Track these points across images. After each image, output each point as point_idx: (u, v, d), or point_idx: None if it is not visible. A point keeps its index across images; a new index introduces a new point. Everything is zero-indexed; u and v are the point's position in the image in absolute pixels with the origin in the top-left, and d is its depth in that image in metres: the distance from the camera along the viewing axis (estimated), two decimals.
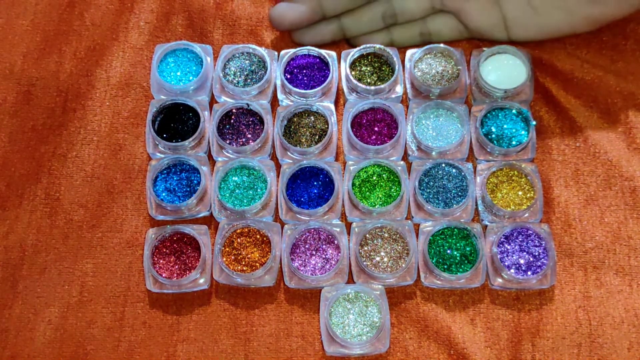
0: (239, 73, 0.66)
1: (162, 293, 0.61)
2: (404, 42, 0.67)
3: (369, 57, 0.66)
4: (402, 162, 0.63)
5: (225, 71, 0.66)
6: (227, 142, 0.63)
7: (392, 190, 0.62)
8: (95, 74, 0.68)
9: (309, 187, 0.62)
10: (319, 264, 0.60)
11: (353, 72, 0.65)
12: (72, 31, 0.70)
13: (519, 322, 0.60)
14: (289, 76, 0.66)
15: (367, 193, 0.62)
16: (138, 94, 0.68)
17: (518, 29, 0.64)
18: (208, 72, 0.66)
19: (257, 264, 0.60)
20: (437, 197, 0.61)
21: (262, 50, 0.66)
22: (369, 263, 0.60)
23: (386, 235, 0.61)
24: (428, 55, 0.66)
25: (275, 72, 0.66)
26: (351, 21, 0.66)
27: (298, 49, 0.66)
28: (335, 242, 0.60)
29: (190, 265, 0.60)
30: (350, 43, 0.68)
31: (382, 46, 0.65)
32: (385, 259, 0.60)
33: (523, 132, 0.63)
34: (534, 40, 0.66)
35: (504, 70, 0.65)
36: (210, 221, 0.63)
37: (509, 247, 0.60)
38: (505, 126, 0.63)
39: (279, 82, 0.66)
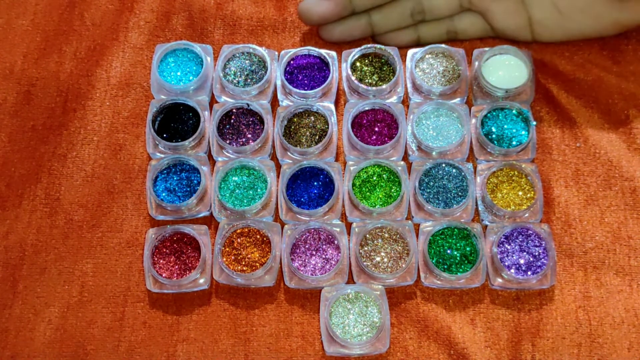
0: (239, 73, 0.66)
1: (162, 293, 0.61)
2: (431, 40, 0.67)
3: (370, 57, 0.66)
4: (402, 162, 0.63)
5: (226, 71, 0.66)
6: (227, 142, 0.63)
7: (393, 190, 0.62)
8: (96, 74, 0.68)
9: (309, 187, 0.62)
10: (319, 264, 0.60)
11: (354, 73, 0.65)
12: (72, 31, 0.70)
13: (519, 322, 0.60)
14: (289, 76, 0.66)
15: (368, 193, 0.62)
16: (138, 94, 0.68)
17: (544, 31, 0.64)
18: (208, 72, 0.66)
19: (257, 264, 0.60)
20: (438, 197, 0.61)
21: (262, 50, 0.66)
22: (369, 263, 0.60)
23: (386, 235, 0.61)
24: (429, 55, 0.66)
25: (276, 72, 0.66)
26: (380, 17, 0.66)
27: (298, 49, 0.66)
28: (335, 242, 0.60)
29: (190, 265, 0.60)
30: (377, 40, 0.68)
31: (382, 46, 0.65)
32: (386, 259, 0.60)
33: (523, 133, 0.63)
34: (557, 41, 0.66)
35: (505, 71, 0.65)
36: (210, 221, 0.63)
37: (509, 247, 0.60)
38: (505, 126, 0.63)
39: (279, 83, 0.66)
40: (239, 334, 0.60)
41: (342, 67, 0.66)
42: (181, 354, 0.59)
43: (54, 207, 0.64)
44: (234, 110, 0.65)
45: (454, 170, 0.62)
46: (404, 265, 0.59)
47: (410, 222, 0.61)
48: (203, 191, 0.62)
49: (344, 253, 0.60)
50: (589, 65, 0.67)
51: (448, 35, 0.67)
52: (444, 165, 0.62)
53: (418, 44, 0.67)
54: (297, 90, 0.64)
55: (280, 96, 0.65)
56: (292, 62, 0.66)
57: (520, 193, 0.62)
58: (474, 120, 0.64)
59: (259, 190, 0.62)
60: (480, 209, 0.62)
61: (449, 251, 0.60)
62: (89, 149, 0.66)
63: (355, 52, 0.65)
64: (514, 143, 0.63)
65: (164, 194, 0.62)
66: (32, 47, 0.69)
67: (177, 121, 0.64)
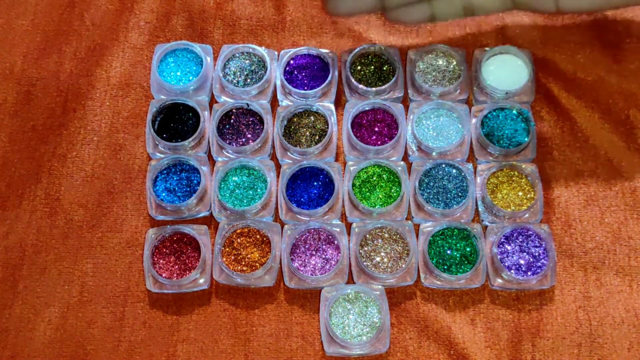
0: (238, 73, 0.66)
1: (162, 293, 0.61)
2: (446, 16, 0.60)
3: (370, 57, 0.66)
4: (402, 163, 0.63)
5: (225, 71, 0.66)
6: (227, 142, 0.63)
7: (392, 190, 0.62)
8: (95, 74, 0.68)
9: (309, 187, 0.62)
10: (319, 264, 0.60)
11: (354, 73, 0.65)
12: (72, 31, 0.70)
13: (519, 322, 0.60)
14: (288, 76, 0.66)
15: (367, 193, 0.62)
16: (138, 94, 0.68)
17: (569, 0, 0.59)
18: (208, 72, 0.66)
19: (257, 264, 0.60)
20: (437, 198, 0.61)
21: (262, 50, 0.66)
22: (369, 263, 0.60)
23: (386, 235, 0.61)
24: (430, 55, 0.66)
25: (275, 72, 0.66)
26: None
27: (298, 49, 0.66)
28: (335, 242, 0.60)
29: (190, 265, 0.60)
30: (388, 17, 0.60)
31: (382, 46, 0.65)
32: (386, 260, 0.60)
33: (523, 133, 0.63)
34: (582, 12, 0.60)
35: (506, 71, 0.65)
36: (210, 221, 0.63)
37: (509, 247, 0.60)
38: (505, 126, 0.63)
39: (278, 82, 0.66)
40: (239, 334, 0.60)
41: (342, 67, 0.66)
42: (181, 354, 0.59)
43: (54, 207, 0.64)
44: (234, 110, 0.65)
45: (454, 171, 0.62)
46: (404, 266, 0.59)
47: (410, 222, 0.61)
48: (203, 191, 0.62)
49: (343, 253, 0.60)
50: (589, 65, 0.67)
51: (464, 11, 0.60)
52: (444, 165, 0.62)
53: (432, 20, 0.60)
54: (297, 90, 0.64)
55: (280, 96, 0.65)
56: (291, 62, 0.66)
57: (520, 193, 0.62)
58: (474, 120, 0.64)
59: (258, 190, 0.62)
60: (480, 209, 0.62)
61: (449, 251, 0.60)
62: (89, 149, 0.66)
63: (355, 52, 0.65)
64: (514, 143, 0.63)
65: (164, 194, 0.62)
66: (32, 47, 0.69)
67: (177, 121, 0.64)
